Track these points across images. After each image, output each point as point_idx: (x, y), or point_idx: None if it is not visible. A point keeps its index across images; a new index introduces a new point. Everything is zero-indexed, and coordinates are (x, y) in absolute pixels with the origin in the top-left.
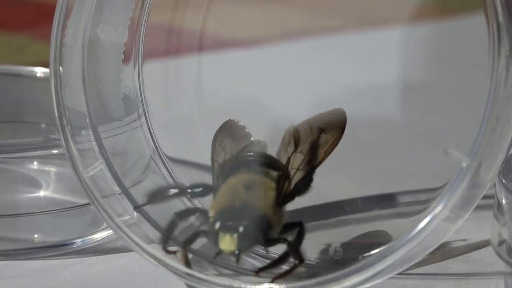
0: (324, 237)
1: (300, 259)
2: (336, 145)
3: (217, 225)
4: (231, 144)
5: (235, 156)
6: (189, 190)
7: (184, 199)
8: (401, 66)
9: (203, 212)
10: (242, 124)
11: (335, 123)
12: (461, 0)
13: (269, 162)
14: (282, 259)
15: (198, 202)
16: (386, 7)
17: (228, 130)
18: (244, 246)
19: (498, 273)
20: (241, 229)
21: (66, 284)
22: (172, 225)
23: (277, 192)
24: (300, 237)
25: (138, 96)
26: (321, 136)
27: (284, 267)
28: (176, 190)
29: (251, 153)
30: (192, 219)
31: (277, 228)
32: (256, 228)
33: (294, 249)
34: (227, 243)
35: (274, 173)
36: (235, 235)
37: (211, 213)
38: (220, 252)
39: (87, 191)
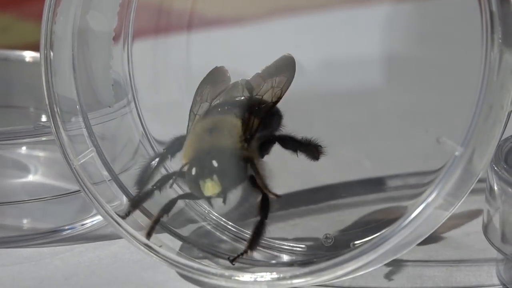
0: (314, 223)
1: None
2: (290, 82)
3: (193, 173)
4: (208, 91)
5: (209, 103)
6: (165, 149)
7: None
8: (388, 45)
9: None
10: (225, 69)
11: (285, 66)
12: None
13: (237, 103)
14: (254, 242)
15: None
16: None
17: (211, 78)
18: (227, 184)
19: (490, 260)
20: (217, 169)
21: (57, 272)
22: (146, 194)
23: (243, 127)
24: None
25: (127, 81)
26: (274, 79)
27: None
28: (157, 158)
29: (223, 98)
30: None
31: (256, 160)
32: (230, 164)
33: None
34: (211, 187)
35: (240, 112)
36: (215, 177)
37: (183, 162)
38: (209, 199)
39: (77, 179)
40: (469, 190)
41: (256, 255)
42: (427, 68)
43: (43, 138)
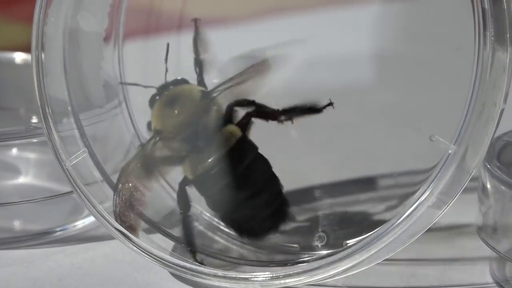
0: (306, 222)
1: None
2: None
3: None
4: None
5: None
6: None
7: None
8: (379, 44)
9: None
10: None
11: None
12: None
13: None
14: None
15: None
16: None
17: None
18: None
19: (483, 258)
20: None
21: (51, 274)
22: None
23: None
24: None
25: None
26: None
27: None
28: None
29: None
30: None
31: None
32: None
33: None
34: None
35: None
36: None
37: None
38: None
39: (70, 180)
40: (462, 188)
41: (249, 254)
42: (418, 67)
43: (34, 140)
